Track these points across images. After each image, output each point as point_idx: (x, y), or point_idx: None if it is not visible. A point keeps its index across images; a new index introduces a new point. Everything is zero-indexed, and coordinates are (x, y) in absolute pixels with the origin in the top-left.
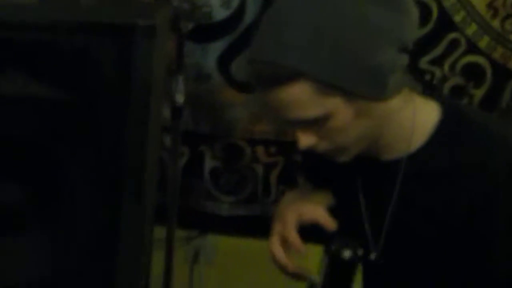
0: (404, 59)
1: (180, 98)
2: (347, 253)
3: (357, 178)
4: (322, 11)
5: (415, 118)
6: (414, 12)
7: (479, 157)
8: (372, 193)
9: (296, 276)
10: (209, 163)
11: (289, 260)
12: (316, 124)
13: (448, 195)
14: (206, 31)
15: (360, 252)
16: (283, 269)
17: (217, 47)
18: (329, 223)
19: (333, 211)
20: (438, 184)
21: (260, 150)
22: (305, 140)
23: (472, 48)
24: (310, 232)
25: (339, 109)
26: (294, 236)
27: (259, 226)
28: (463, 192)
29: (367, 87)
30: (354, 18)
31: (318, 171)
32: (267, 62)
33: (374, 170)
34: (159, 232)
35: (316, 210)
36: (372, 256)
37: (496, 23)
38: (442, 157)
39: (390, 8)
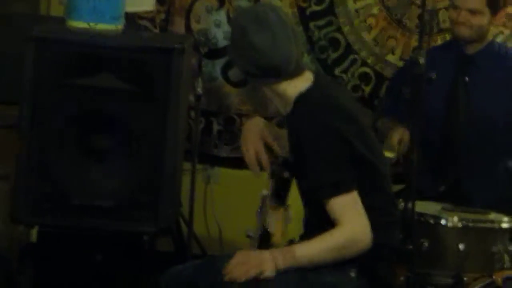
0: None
1: (199, 90)
2: (286, 174)
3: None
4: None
5: (294, 91)
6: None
7: (311, 112)
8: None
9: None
10: (215, 127)
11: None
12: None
13: (299, 130)
14: (214, 52)
15: (287, 174)
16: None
17: (220, 62)
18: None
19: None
20: (298, 123)
21: (244, 119)
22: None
23: (364, 63)
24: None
25: (266, 90)
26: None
27: (243, 162)
28: (304, 128)
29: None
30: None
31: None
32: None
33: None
34: (187, 165)
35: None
36: (286, 174)
37: (378, 50)
38: (300, 113)
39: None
